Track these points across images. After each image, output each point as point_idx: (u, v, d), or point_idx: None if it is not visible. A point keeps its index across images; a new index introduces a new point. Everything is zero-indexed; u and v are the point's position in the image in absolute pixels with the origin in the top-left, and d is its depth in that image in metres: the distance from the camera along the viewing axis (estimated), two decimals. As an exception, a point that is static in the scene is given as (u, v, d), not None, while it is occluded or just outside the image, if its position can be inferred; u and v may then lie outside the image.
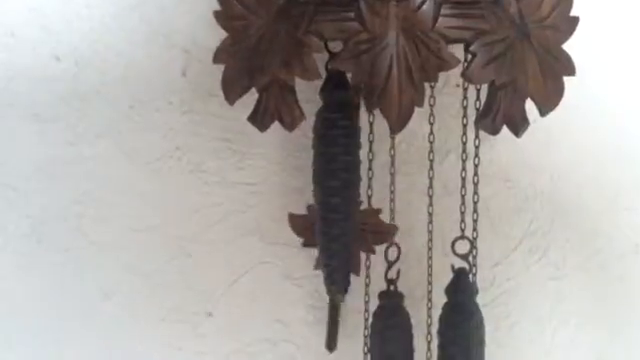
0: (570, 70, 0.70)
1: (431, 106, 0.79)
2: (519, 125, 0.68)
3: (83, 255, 0.91)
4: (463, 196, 0.78)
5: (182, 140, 0.90)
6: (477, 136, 0.76)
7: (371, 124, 0.78)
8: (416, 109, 0.88)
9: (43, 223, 0.90)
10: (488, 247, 0.92)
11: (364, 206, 0.82)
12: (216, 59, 0.70)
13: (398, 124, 0.67)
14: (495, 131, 0.68)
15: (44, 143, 0.89)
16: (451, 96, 0.89)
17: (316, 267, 0.85)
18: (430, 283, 0.81)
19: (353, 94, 0.72)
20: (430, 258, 0.81)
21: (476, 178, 0.76)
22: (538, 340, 0.95)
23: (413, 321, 0.82)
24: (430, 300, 0.81)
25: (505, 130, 0.90)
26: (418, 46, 0.66)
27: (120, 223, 0.91)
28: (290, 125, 0.67)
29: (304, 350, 0.94)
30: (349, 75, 0.69)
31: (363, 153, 0.79)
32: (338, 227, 0.76)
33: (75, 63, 0.87)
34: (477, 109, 0.74)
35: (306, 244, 0.85)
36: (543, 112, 0.69)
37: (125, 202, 0.90)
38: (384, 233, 0.81)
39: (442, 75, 0.88)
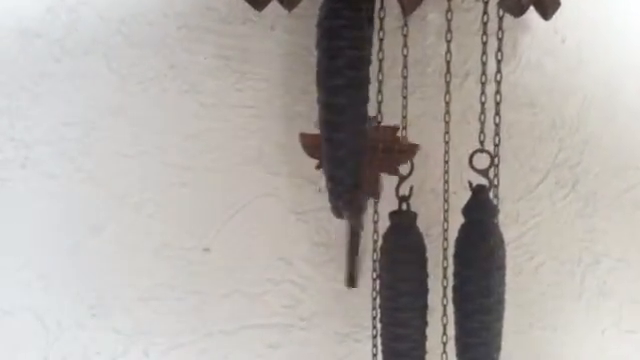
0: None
1: (449, 21, 0.71)
2: (549, 4, 0.60)
3: (70, 183, 0.85)
4: (483, 104, 0.71)
5: (177, 58, 0.84)
6: (500, 28, 0.67)
7: (381, 20, 0.70)
8: (434, 27, 0.83)
9: (27, 147, 0.84)
10: (511, 180, 0.85)
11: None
12: None
13: (411, 3, 0.59)
14: (521, 11, 0.61)
15: (28, 59, 0.83)
16: (470, 12, 0.83)
17: (322, 188, 0.76)
18: (446, 200, 0.73)
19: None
20: (447, 172, 0.73)
21: (499, 76, 0.68)
22: (566, 284, 0.88)
23: (427, 245, 0.74)
24: (446, 220, 0.74)
25: (528, 50, 0.84)
26: None
27: (109, 148, 0.85)
28: (289, 3, 0.60)
29: (309, 291, 0.87)
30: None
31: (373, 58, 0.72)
32: (344, 132, 0.68)
33: (62, -29, 0.82)
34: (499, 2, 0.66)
35: (320, 166, 0.76)
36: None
37: (115, 125, 0.84)
38: (403, 152, 0.73)
39: (462, -11, 0.84)
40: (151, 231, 0.86)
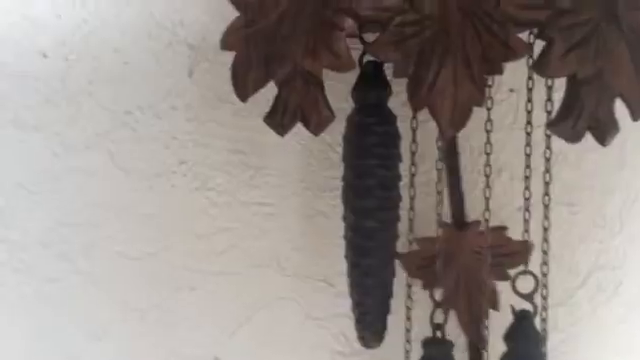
0: (669, 62, 0.56)
1: (488, 110, 0.66)
2: (607, 130, 0.56)
3: (69, 287, 0.81)
4: (527, 220, 0.65)
5: (187, 153, 0.80)
6: (548, 147, 0.62)
7: (414, 131, 0.65)
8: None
9: (22, 249, 0.80)
10: (549, 284, 0.79)
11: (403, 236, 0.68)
12: (225, 44, 0.60)
13: (452, 127, 0.55)
14: (577, 138, 0.55)
15: (25, 153, 0.80)
16: (504, 103, 0.80)
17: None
18: (487, 327, 0.67)
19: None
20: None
21: (547, 198, 0.62)
22: (609, 395, 0.84)
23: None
24: (486, 350, 0.68)
25: (566, 146, 0.79)
26: (479, 29, 0.56)
27: (113, 250, 0.81)
28: (316, 127, 0.55)
29: (329, 404, 0.83)
30: (388, 69, 0.57)
31: (404, 167, 0.67)
32: (373, 257, 0.63)
33: (64, 60, 0.79)
34: (547, 112, 0.61)
35: (427, 286, 0.70)
36: (636, 115, 0.55)
37: (119, 225, 0.80)
38: (516, 254, 0.68)
39: (495, 78, 0.79)
40: (157, 338, 0.81)
